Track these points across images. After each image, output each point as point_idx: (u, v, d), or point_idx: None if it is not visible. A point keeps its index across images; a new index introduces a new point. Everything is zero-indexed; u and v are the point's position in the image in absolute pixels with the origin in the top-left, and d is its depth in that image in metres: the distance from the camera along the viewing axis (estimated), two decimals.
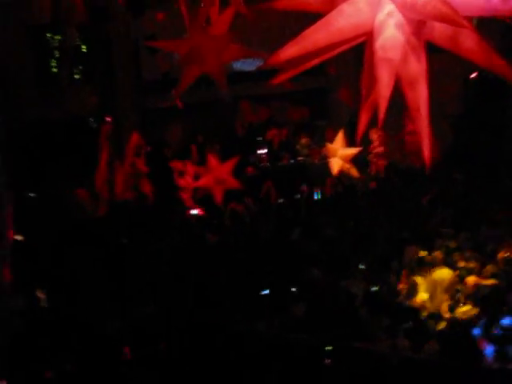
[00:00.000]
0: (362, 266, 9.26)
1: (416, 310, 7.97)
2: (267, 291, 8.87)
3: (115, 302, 8.44)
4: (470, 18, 3.36)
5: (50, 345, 7.21)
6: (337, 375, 6.30)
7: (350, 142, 12.32)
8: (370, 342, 6.85)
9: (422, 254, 9.73)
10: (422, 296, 8.61)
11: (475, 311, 7.98)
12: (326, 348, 6.36)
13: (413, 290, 8.68)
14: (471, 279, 8.70)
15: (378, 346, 6.71)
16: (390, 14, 3.33)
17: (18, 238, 10.20)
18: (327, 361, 6.32)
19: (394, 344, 6.63)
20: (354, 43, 3.65)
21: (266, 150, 16.48)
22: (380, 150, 14.90)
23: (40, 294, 8.15)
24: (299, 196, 13.46)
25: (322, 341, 6.55)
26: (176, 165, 13.27)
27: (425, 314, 8.04)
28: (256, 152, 16.46)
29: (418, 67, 3.49)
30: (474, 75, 13.90)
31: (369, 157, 14.97)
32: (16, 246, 10.11)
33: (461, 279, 8.72)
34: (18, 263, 9.20)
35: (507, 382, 6.35)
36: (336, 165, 12.59)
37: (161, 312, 8.09)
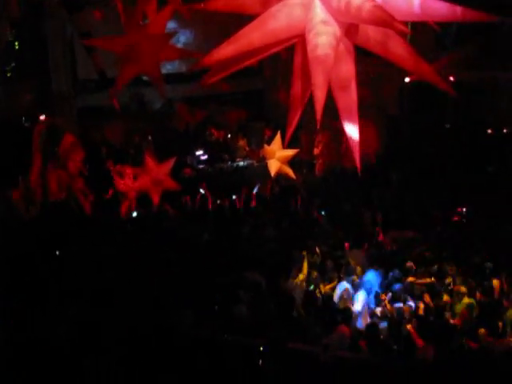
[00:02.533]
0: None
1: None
2: None
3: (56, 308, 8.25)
4: (404, 23, 3.47)
5: None
6: (271, 376, 6.34)
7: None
8: (305, 343, 6.94)
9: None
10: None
11: None
12: (260, 348, 6.39)
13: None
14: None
15: (312, 346, 6.79)
16: (322, 17, 3.39)
17: None
18: (260, 361, 6.36)
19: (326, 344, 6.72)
20: (287, 44, 3.70)
21: (201, 153, 16.47)
22: (316, 151, 15.09)
23: None
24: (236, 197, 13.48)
25: (256, 342, 6.58)
26: (114, 166, 13.06)
27: None
28: (193, 153, 16.43)
29: (348, 70, 3.57)
30: (409, 79, 14.25)
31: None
32: None
33: None
34: None
35: None
36: (274, 166, 12.68)
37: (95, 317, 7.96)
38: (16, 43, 13.91)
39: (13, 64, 14.14)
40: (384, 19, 3.15)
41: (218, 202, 13.24)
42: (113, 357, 6.96)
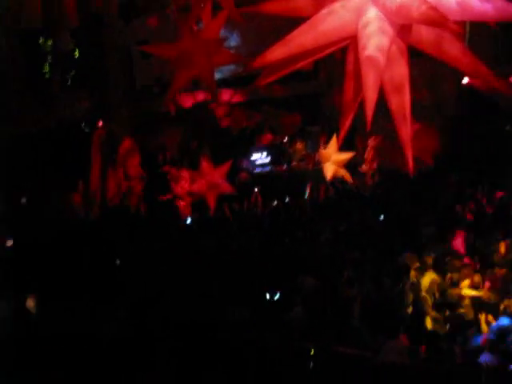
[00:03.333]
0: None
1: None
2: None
3: (108, 307, 8.39)
4: (460, 23, 3.38)
5: (38, 352, 7.15)
6: (321, 379, 6.28)
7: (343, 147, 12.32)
8: (358, 348, 6.83)
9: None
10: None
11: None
12: (311, 352, 6.34)
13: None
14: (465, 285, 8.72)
15: (363, 351, 6.68)
16: (374, 18, 3.33)
17: (9, 243, 10.18)
18: (311, 364, 6.31)
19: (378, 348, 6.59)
20: (339, 46, 3.65)
21: (258, 156, 16.49)
22: (369, 155, 14.95)
23: (30, 301, 8.08)
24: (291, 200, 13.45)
25: (307, 345, 6.53)
26: (171, 171, 13.24)
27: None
28: (250, 157, 16.47)
29: (401, 72, 3.49)
30: (466, 80, 13.94)
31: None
32: (7, 252, 10.11)
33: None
34: (9, 268, 9.19)
35: None
36: (329, 170, 12.61)
37: (156, 317, 8.05)
38: (76, 51, 14.26)
39: (73, 72, 14.50)
40: (437, 19, 3.08)
41: (274, 204, 13.24)
42: (163, 352, 7.05)
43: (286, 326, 7.66)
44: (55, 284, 9.05)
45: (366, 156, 15.01)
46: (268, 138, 16.91)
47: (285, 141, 16.99)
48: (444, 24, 3.06)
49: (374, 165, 14.87)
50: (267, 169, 16.47)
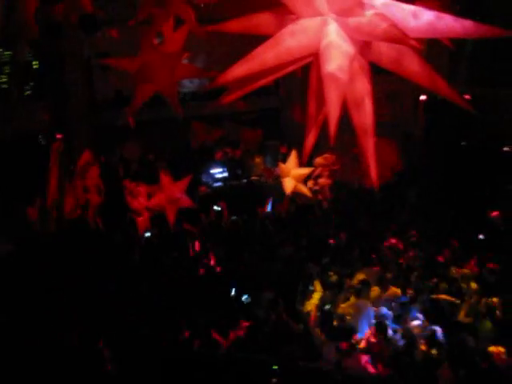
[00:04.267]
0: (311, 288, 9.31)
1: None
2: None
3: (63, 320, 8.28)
4: (419, 40, 3.46)
5: None
6: None
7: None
8: (317, 361, 6.88)
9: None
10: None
11: None
12: (273, 367, 6.35)
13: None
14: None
15: (324, 365, 6.74)
16: (336, 36, 3.39)
17: None
18: (274, 380, 6.31)
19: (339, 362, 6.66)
20: (301, 63, 3.70)
21: (217, 171, 16.52)
22: (324, 174, 15.09)
23: None
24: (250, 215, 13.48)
25: (269, 359, 6.55)
26: (128, 185, 13.11)
27: None
28: (208, 171, 16.48)
29: (363, 88, 3.56)
30: (424, 97, 14.26)
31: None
32: None
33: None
34: None
35: None
36: (289, 184, 12.68)
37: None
38: (34, 63, 14.09)
39: (31, 83, 14.31)
40: (397, 36, 3.17)
41: (233, 218, 13.24)
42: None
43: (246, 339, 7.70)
44: (11, 298, 8.90)
45: (321, 171, 15.14)
46: (227, 152, 16.94)
47: (244, 155, 17.05)
48: (404, 41, 3.14)
49: (324, 182, 15.00)
50: (226, 183, 16.49)
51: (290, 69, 3.73)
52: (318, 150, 13.95)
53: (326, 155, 14.16)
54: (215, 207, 13.41)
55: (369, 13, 3.24)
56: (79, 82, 14.69)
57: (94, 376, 6.99)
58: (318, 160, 14.52)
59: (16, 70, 13.52)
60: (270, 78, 3.81)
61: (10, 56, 13.46)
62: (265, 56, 3.47)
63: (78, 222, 12.52)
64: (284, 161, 13.22)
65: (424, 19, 3.31)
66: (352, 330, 8.01)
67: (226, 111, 15.67)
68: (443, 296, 8.93)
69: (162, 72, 6.93)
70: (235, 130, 16.94)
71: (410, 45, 3.13)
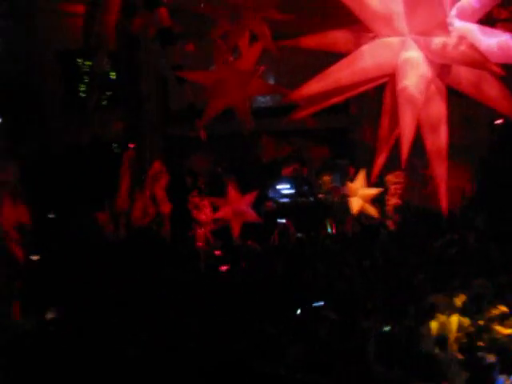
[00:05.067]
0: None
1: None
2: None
3: (128, 327, 8.40)
4: (500, 65, 3.37)
5: (58, 366, 7.16)
6: None
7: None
8: None
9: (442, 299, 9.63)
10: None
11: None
12: None
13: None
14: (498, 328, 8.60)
15: None
16: (414, 56, 3.34)
17: (34, 258, 10.27)
18: None
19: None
20: (376, 83, 3.67)
21: (288, 186, 16.54)
22: (396, 192, 14.90)
23: (50, 316, 8.13)
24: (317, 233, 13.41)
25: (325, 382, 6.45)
26: (193, 199, 13.29)
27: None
28: (276, 187, 16.51)
29: (439, 111, 3.49)
30: (499, 121, 13.86)
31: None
32: (31, 266, 10.20)
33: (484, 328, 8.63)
34: (32, 283, 9.26)
35: None
36: (356, 204, 12.58)
37: (170, 343, 8.03)
38: (112, 73, 14.52)
39: (108, 93, 14.74)
40: (477, 60, 3.09)
41: (299, 235, 13.21)
42: None
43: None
44: (80, 300, 9.11)
45: (390, 191, 14.98)
46: (296, 169, 16.93)
47: (312, 172, 17.01)
48: (485, 65, 3.06)
49: (398, 201, 14.80)
50: (292, 199, 16.47)
51: (365, 88, 3.70)
52: (386, 170, 13.81)
53: (398, 172, 14.01)
54: (279, 220, 13.42)
55: (450, 35, 3.17)
56: (154, 94, 15.03)
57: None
58: (390, 178, 14.38)
59: (94, 80, 13.97)
60: (344, 96, 3.79)
61: (90, 66, 13.92)
62: (340, 74, 3.45)
63: (145, 229, 12.77)
64: (352, 180, 13.12)
65: (508, 44, 3.22)
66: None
67: (296, 128, 15.67)
68: None
69: (235, 87, 7.02)
70: (303, 147, 16.93)
71: (490, 70, 3.05)
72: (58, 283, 9.71)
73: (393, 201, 14.87)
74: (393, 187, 14.94)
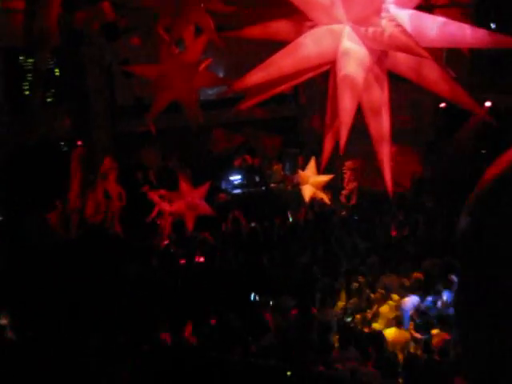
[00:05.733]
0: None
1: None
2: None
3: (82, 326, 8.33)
4: (435, 50, 3.44)
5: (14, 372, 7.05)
6: None
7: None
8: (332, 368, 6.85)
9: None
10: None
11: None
12: (287, 373, 6.33)
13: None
14: None
15: (340, 372, 6.70)
16: (353, 43, 3.40)
17: None
18: None
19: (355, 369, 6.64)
20: (318, 71, 3.71)
21: (236, 178, 16.55)
22: (350, 178, 15.12)
23: (3, 321, 7.98)
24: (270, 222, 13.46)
25: (284, 366, 6.53)
26: (151, 193, 13.17)
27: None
28: (228, 178, 16.51)
29: (380, 96, 3.56)
30: (443, 104, 14.16)
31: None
32: None
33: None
34: None
35: None
36: (308, 192, 12.68)
37: (132, 338, 8.00)
38: (56, 70, 14.25)
39: (52, 90, 14.47)
40: (407, 45, 3.14)
41: (252, 225, 13.24)
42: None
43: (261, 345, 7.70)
44: (32, 303, 8.97)
45: (345, 178, 15.19)
46: (246, 159, 16.96)
47: (263, 162, 17.06)
48: (413, 50, 3.12)
49: (351, 186, 15.02)
50: (245, 190, 16.49)
51: (308, 76, 3.74)
52: (339, 157, 13.96)
53: (355, 159, 14.22)
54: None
55: (384, 21, 3.23)
56: (100, 89, 14.83)
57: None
58: (349, 164, 14.58)
59: (37, 77, 13.69)
60: (288, 85, 3.83)
61: (32, 63, 13.63)
62: (282, 63, 3.48)
63: (98, 227, 12.63)
64: (303, 168, 13.23)
65: (445, 29, 3.29)
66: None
67: (246, 119, 15.70)
68: None
69: (181, 80, 6.99)
70: (255, 137, 16.97)
71: (419, 54, 3.10)
72: (11, 288, 9.55)
73: (350, 186, 15.08)
74: (349, 173, 15.14)
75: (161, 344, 7.93)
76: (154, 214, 12.47)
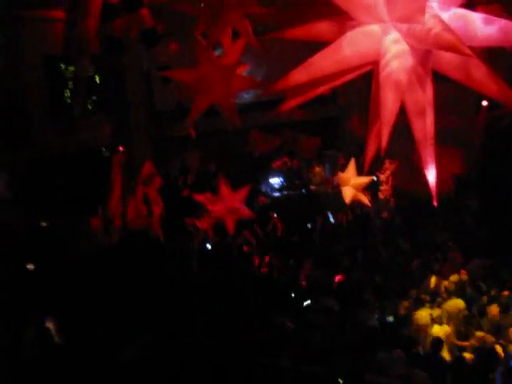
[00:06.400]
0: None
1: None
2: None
3: (128, 329, 8.38)
4: (479, 49, 3.34)
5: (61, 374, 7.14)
6: None
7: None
8: (384, 375, 6.74)
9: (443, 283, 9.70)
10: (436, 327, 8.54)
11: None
12: (340, 380, 6.24)
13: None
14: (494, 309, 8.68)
15: (391, 379, 6.58)
16: (396, 43, 3.32)
17: (30, 267, 10.22)
18: None
19: (408, 376, 6.51)
20: (361, 71, 3.65)
21: (280, 180, 16.51)
22: (388, 179, 14.94)
23: (49, 324, 8.09)
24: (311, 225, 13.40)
25: (335, 373, 6.44)
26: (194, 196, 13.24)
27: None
28: (268, 181, 16.47)
29: (424, 96, 3.47)
30: (485, 103, 13.88)
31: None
32: (28, 275, 10.16)
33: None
34: (30, 292, 9.22)
35: None
36: (348, 193, 12.54)
37: (173, 339, 8.02)
38: (96, 77, 14.43)
39: (94, 97, 14.66)
40: (452, 43, 3.04)
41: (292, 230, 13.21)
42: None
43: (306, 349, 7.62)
44: (77, 307, 9.07)
45: (382, 179, 15.02)
46: (286, 162, 16.90)
47: (303, 164, 16.98)
48: (457, 48, 3.02)
49: (388, 187, 14.86)
50: (285, 192, 16.44)
51: (350, 77, 3.68)
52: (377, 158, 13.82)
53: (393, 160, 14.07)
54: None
55: (428, 19, 3.14)
56: (139, 95, 14.96)
57: None
58: (387, 165, 14.42)
59: (78, 85, 13.88)
60: (329, 86, 3.77)
61: (73, 71, 13.82)
62: (323, 63, 3.43)
63: (140, 232, 12.73)
64: (343, 170, 13.10)
65: (494, 27, 3.18)
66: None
67: (285, 120, 15.66)
68: None
69: (219, 84, 6.98)
70: (293, 140, 16.90)
71: (465, 53, 3.00)
72: (57, 292, 9.67)
73: (386, 187, 14.92)
74: (387, 173, 14.99)
75: (203, 348, 7.92)
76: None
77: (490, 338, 8.23)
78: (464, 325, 8.56)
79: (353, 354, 7.37)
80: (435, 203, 3.58)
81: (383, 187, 15.05)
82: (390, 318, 8.98)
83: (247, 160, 16.64)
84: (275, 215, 13.36)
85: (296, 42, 3.92)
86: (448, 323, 8.63)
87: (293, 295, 9.65)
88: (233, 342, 7.72)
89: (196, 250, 12.51)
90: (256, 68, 13.10)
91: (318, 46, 3.76)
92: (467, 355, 7.96)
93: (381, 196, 14.95)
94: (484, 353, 7.45)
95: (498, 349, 7.80)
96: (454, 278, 9.87)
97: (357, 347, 7.72)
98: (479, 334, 8.38)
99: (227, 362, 7.26)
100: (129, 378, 7.09)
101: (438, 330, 8.40)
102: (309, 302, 9.37)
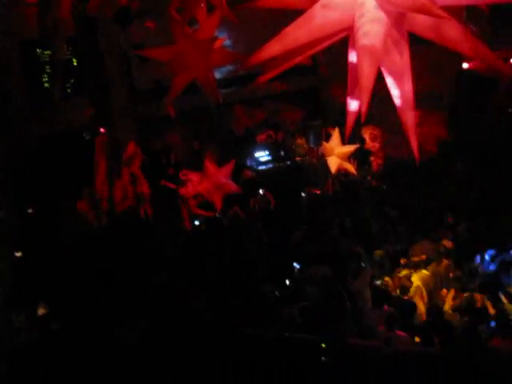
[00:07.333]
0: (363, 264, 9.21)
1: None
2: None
3: (121, 312, 8.39)
4: (454, 9, 3.32)
5: (53, 361, 7.15)
6: (334, 372, 6.25)
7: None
8: (367, 338, 6.83)
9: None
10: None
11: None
12: (322, 345, 6.31)
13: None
14: None
15: (374, 342, 6.67)
16: (369, 8, 3.30)
17: (17, 254, 10.19)
18: (323, 358, 6.27)
19: (389, 338, 6.60)
20: (336, 38, 3.62)
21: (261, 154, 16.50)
22: (374, 146, 14.95)
23: (41, 310, 8.10)
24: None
25: (318, 339, 6.51)
26: (177, 174, 13.22)
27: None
28: (253, 155, 16.45)
29: (401, 60, 3.46)
30: (466, 66, 13.86)
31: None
32: (16, 262, 10.13)
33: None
34: (19, 279, 9.20)
35: None
36: (334, 163, 12.56)
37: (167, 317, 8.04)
38: (74, 60, 14.27)
39: (72, 80, 14.51)
40: (423, 5, 3.02)
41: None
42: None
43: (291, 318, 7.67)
44: (67, 293, 9.08)
45: (371, 146, 15.03)
46: (270, 135, 16.86)
47: (286, 137, 16.96)
48: (429, 10, 3.00)
49: (380, 155, 14.88)
50: (270, 165, 16.44)
51: (325, 44, 3.65)
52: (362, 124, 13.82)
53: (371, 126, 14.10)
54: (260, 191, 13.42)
55: None
56: (118, 75, 14.80)
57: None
58: (366, 129, 14.44)
59: (56, 69, 13.71)
60: (305, 55, 3.74)
61: (50, 55, 13.65)
62: (297, 33, 3.40)
63: (128, 212, 12.71)
64: (327, 140, 13.10)
65: None
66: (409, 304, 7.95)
67: (265, 93, 15.60)
68: None
69: (197, 59, 6.90)
70: (275, 112, 16.84)
71: (437, 14, 2.99)
72: (48, 277, 9.66)
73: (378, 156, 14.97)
74: (371, 145, 15.00)
75: (198, 322, 7.95)
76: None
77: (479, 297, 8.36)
78: (452, 285, 8.66)
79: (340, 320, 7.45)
80: (417, 165, 3.59)
81: (375, 158, 15.08)
82: (378, 282, 9.08)
83: (231, 135, 16.58)
84: (265, 190, 13.39)
85: (276, 12, 3.89)
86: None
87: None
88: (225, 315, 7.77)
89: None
90: (236, 43, 12.99)
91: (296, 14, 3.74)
92: (447, 307, 8.11)
93: (374, 167, 14.98)
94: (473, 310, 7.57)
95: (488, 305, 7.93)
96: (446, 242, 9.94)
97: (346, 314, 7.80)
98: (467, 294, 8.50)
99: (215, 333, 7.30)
100: (125, 363, 7.12)
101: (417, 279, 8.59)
102: (297, 266, 9.46)
